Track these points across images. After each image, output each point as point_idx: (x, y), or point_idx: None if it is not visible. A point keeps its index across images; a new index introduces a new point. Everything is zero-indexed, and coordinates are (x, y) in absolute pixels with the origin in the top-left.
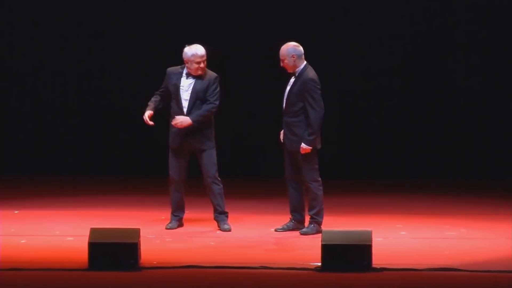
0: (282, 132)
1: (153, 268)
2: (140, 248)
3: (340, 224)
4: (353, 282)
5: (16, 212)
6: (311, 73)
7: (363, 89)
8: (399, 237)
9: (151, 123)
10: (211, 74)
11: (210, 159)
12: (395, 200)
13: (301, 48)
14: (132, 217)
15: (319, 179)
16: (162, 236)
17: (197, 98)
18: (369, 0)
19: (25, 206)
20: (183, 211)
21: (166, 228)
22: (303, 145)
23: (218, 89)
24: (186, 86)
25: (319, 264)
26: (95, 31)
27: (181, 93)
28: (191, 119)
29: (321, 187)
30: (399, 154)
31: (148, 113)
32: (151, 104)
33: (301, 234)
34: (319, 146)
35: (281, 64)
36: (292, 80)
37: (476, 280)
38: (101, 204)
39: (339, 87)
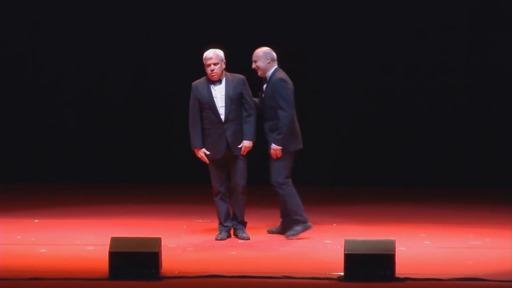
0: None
1: (174, 278)
2: (161, 258)
3: (363, 233)
4: None
5: (36, 221)
6: (281, 74)
7: (380, 97)
8: (423, 247)
9: (207, 160)
10: (238, 77)
11: (242, 167)
12: (419, 209)
13: (274, 53)
14: (153, 226)
15: (287, 180)
16: (183, 245)
17: (231, 103)
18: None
19: (45, 215)
20: (231, 221)
21: (216, 239)
22: (272, 145)
23: (250, 94)
24: (219, 94)
25: (342, 273)
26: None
27: (215, 101)
28: (251, 139)
29: (289, 187)
30: (423, 161)
31: (203, 151)
32: (197, 137)
33: (287, 237)
34: (293, 148)
35: (253, 66)
36: (265, 85)
37: None
38: (121, 213)
39: (358, 95)
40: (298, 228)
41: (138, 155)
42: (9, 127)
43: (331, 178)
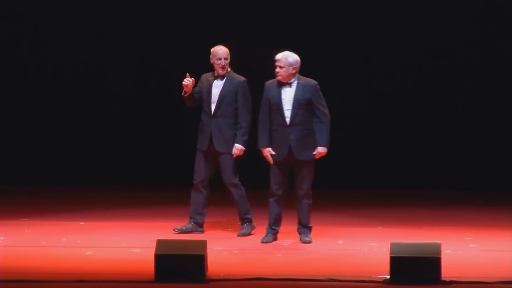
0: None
1: (220, 280)
2: (207, 260)
3: (408, 236)
4: None
5: (82, 223)
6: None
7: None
8: (469, 250)
9: (271, 160)
10: (311, 82)
11: (306, 172)
12: (465, 212)
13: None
14: None
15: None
16: (229, 248)
17: (299, 108)
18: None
19: (91, 217)
20: (279, 225)
21: (262, 242)
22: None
23: (322, 100)
24: (288, 96)
25: (388, 276)
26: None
27: (283, 104)
28: (325, 145)
29: (242, 188)
30: (467, 164)
31: (268, 151)
32: (265, 136)
33: (239, 236)
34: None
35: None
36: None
37: None
38: (168, 215)
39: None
40: (248, 227)
41: (182, 157)
42: (50, 131)
43: (376, 181)
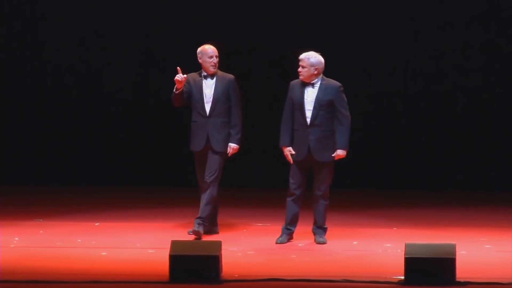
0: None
1: (234, 281)
2: (221, 261)
3: (423, 237)
4: None
5: (96, 224)
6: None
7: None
8: (484, 251)
9: (291, 160)
10: (334, 84)
11: (325, 173)
12: (479, 213)
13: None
14: None
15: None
16: (243, 248)
17: (320, 109)
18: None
19: (105, 218)
20: (295, 225)
21: (276, 243)
22: (233, 144)
23: (343, 103)
24: (310, 97)
25: (402, 277)
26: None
27: (304, 104)
28: (344, 148)
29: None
30: (481, 165)
31: (288, 150)
32: (286, 135)
33: (190, 233)
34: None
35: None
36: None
37: None
38: (182, 216)
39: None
40: (202, 228)
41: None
42: (64, 131)
43: (390, 182)
